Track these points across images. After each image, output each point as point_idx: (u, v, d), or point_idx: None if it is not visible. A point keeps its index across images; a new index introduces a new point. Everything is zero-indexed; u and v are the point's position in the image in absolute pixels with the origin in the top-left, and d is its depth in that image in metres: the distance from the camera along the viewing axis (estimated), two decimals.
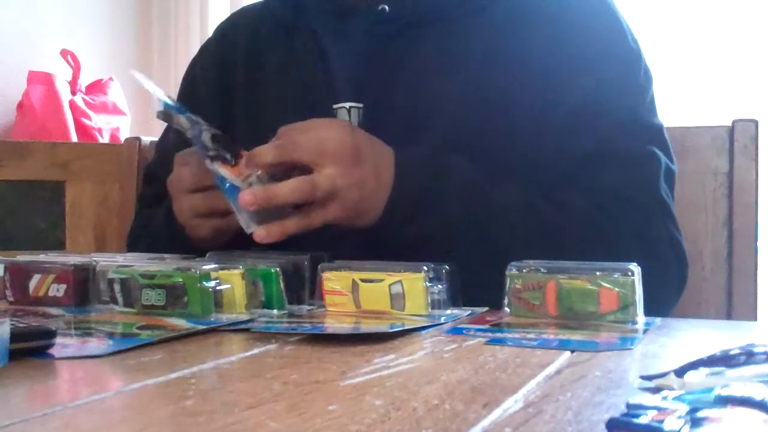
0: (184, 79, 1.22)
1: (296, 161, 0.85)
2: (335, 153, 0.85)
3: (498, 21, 1.00)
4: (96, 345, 0.64)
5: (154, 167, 1.22)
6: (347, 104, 1.01)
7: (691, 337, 0.74)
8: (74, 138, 2.43)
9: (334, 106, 1.02)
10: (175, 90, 1.26)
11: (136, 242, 1.13)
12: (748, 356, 0.48)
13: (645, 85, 1.00)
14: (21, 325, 0.62)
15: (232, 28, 1.19)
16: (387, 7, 1.01)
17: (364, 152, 0.87)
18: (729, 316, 1.14)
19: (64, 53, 2.55)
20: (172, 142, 1.18)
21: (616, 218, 0.92)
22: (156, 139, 1.51)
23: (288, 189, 0.83)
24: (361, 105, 1.01)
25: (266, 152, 0.85)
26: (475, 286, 0.78)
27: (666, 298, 0.95)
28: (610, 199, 0.93)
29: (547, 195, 0.93)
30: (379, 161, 0.88)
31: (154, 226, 1.07)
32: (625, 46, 1.01)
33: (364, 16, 1.02)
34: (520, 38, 0.99)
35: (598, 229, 0.91)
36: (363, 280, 0.77)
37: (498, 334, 0.68)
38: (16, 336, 0.57)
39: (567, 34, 0.98)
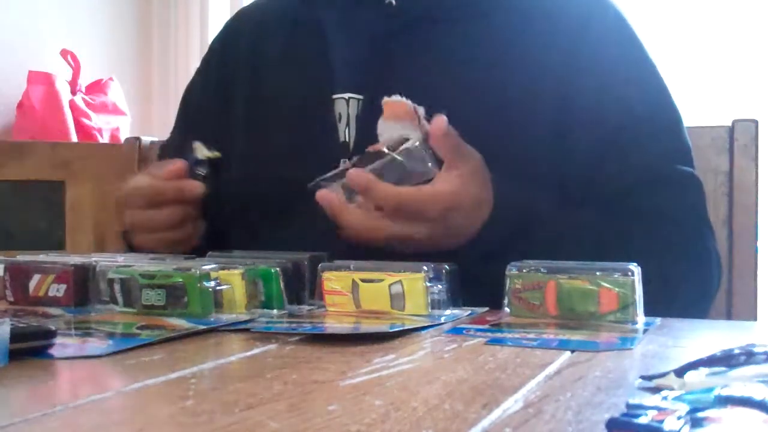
0: (186, 91, 1.22)
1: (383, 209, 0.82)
2: (435, 202, 0.82)
3: (503, 27, 1.00)
4: (96, 345, 0.64)
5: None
6: (347, 95, 1.01)
7: (691, 337, 0.74)
8: (74, 138, 2.43)
9: (334, 97, 1.02)
10: (174, 89, 1.26)
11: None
12: (748, 356, 0.48)
13: (675, 102, 1.02)
14: (21, 325, 0.62)
15: (237, 21, 1.20)
16: (394, 1, 1.01)
17: (455, 212, 0.84)
18: (729, 316, 1.14)
19: (64, 53, 2.55)
20: (174, 151, 1.19)
21: (671, 242, 0.94)
22: (156, 139, 1.51)
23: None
24: (360, 96, 1.01)
25: (357, 180, 0.82)
26: None
27: (708, 306, 1.00)
28: (665, 224, 0.95)
29: (611, 222, 0.93)
30: (476, 202, 0.86)
31: None
32: (650, 65, 1.02)
33: (370, 9, 1.02)
34: (527, 47, 0.98)
35: (657, 254, 0.92)
36: (363, 280, 0.77)
37: (498, 334, 0.68)
38: (16, 336, 0.57)
39: (585, 54, 0.98)
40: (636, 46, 1.03)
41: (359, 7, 1.04)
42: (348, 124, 1.01)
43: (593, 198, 0.96)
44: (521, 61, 0.98)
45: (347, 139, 1.01)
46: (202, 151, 0.97)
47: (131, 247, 1.01)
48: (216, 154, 0.98)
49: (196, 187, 0.93)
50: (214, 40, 1.22)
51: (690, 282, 0.95)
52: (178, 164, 0.95)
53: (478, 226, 0.86)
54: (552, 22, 1.00)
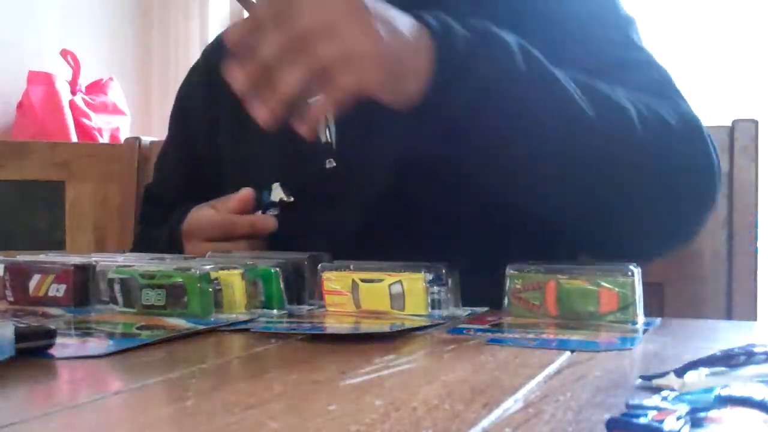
0: (176, 99, 1.23)
1: (302, 32, 0.70)
2: (337, 8, 0.70)
3: (502, 18, 0.99)
4: (96, 345, 0.64)
5: (155, 187, 1.23)
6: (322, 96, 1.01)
7: (691, 337, 0.74)
8: (74, 138, 2.43)
9: (309, 100, 1.01)
10: (174, 89, 1.27)
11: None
12: (748, 356, 0.48)
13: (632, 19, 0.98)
14: (21, 325, 0.62)
15: (216, 45, 1.20)
16: None
17: (376, 10, 0.72)
18: (729, 316, 1.14)
19: (64, 53, 2.55)
20: (171, 162, 1.19)
21: (670, 109, 0.88)
22: (155, 139, 1.51)
23: (291, 76, 0.70)
24: None
25: (272, 43, 0.71)
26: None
27: (703, 209, 0.92)
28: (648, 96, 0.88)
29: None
30: (400, 21, 0.74)
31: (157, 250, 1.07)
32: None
33: None
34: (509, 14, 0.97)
35: (647, 114, 0.85)
36: (363, 280, 0.77)
37: (498, 334, 0.68)
38: (16, 336, 0.57)
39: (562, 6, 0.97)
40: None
41: None
42: (327, 125, 1.00)
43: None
44: (511, 23, 0.97)
45: (329, 139, 1.00)
46: (278, 194, 0.97)
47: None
48: (291, 199, 0.99)
49: (269, 223, 0.93)
50: (197, 61, 1.23)
51: (684, 161, 0.86)
52: (246, 196, 0.95)
53: (424, 44, 0.74)
54: (542, 8, 0.99)
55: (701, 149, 0.90)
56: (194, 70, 1.21)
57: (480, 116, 0.76)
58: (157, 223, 1.16)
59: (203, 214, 1.00)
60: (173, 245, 1.01)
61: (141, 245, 1.17)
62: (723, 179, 1.17)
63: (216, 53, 1.17)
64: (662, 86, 0.93)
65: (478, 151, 0.80)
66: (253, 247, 0.96)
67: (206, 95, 1.14)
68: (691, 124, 0.90)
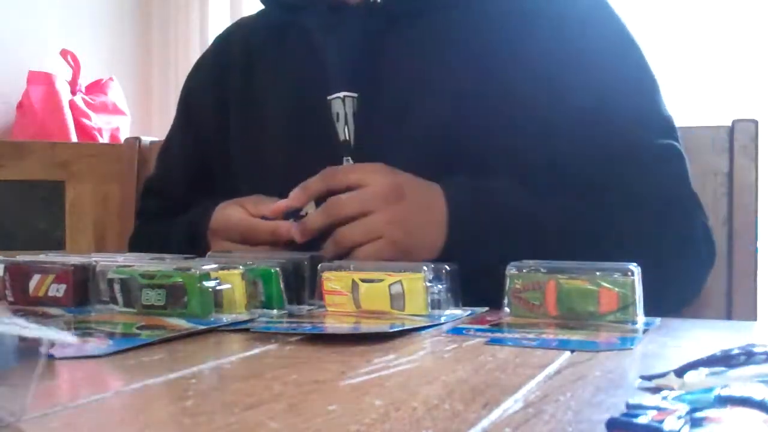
0: (182, 91, 1.22)
1: (343, 217, 0.87)
2: (375, 195, 0.87)
3: (493, 14, 1.00)
4: (96, 345, 0.64)
5: (157, 181, 1.22)
6: (341, 94, 1.02)
7: (691, 337, 0.74)
8: (74, 138, 2.43)
9: (329, 97, 1.02)
10: (174, 89, 1.27)
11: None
12: (748, 356, 0.48)
13: (654, 76, 1.02)
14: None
15: (227, 36, 1.21)
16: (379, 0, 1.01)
17: (405, 189, 0.88)
18: (729, 316, 1.14)
19: (64, 53, 2.55)
20: (176, 156, 1.19)
21: (658, 219, 0.94)
22: (156, 139, 1.51)
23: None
24: (355, 94, 1.01)
25: (314, 220, 0.88)
26: None
27: (699, 288, 1.01)
28: (648, 200, 0.95)
29: (590, 202, 0.94)
30: (424, 197, 0.90)
31: (170, 245, 1.05)
32: (628, 41, 1.02)
33: (356, 9, 1.03)
34: (517, 33, 0.99)
35: (641, 231, 0.93)
36: (363, 280, 0.77)
37: (498, 334, 0.68)
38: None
39: (567, 33, 0.99)
40: (616, 24, 1.03)
41: (345, 9, 1.04)
42: (346, 122, 1.02)
43: (574, 182, 0.95)
44: (513, 49, 0.98)
45: (347, 137, 1.01)
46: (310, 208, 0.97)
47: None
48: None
49: (291, 232, 0.92)
50: (205, 53, 1.23)
51: (674, 268, 0.94)
52: (280, 206, 0.95)
53: (441, 223, 0.88)
54: (533, 4, 1.01)
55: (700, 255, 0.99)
56: (202, 64, 1.21)
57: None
58: (158, 216, 1.16)
59: (231, 213, 0.99)
60: (195, 243, 1.00)
61: (141, 239, 1.17)
62: (723, 179, 1.17)
63: (226, 47, 1.17)
64: (673, 187, 0.98)
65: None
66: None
67: (215, 89, 1.14)
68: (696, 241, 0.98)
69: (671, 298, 0.93)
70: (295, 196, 0.90)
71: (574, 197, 0.94)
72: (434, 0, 1.01)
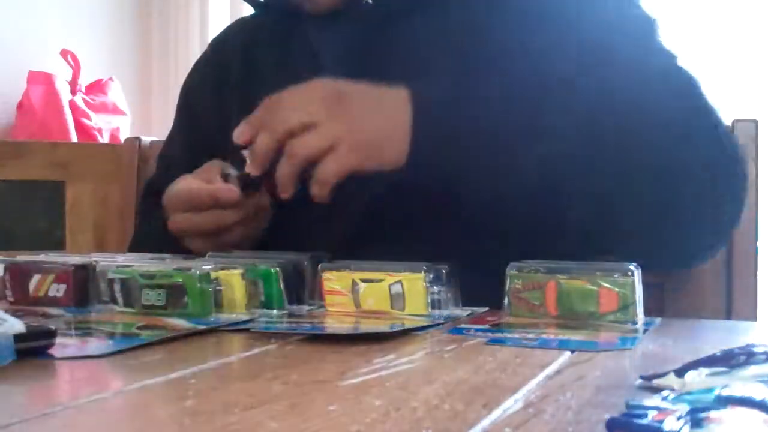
0: (181, 91, 1.22)
1: (289, 130, 0.83)
2: (312, 100, 0.83)
3: (479, 7, 0.99)
4: (96, 345, 0.64)
5: (157, 181, 1.22)
6: None
7: (691, 337, 0.74)
8: (74, 138, 2.43)
9: None
10: (174, 89, 1.26)
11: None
12: (748, 356, 0.48)
13: (653, 18, 0.97)
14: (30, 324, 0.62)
15: (225, 37, 1.20)
16: (371, 0, 1.01)
17: (344, 90, 0.84)
18: (729, 316, 1.14)
19: (64, 53, 2.55)
20: (176, 156, 1.19)
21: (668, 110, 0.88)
22: (156, 139, 1.51)
23: (283, 170, 0.83)
24: None
25: (261, 143, 0.84)
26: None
27: (735, 214, 0.94)
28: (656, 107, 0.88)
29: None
30: (369, 95, 0.86)
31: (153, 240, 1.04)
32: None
33: (350, 13, 1.03)
34: (502, 25, 0.97)
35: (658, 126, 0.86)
36: (363, 280, 0.77)
37: (498, 334, 0.68)
38: (16, 336, 0.57)
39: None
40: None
41: (339, 12, 1.04)
42: None
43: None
44: (504, 24, 0.97)
45: None
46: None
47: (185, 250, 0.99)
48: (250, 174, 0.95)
49: (230, 192, 0.90)
50: (202, 55, 1.23)
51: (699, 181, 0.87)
52: (209, 169, 0.93)
53: (401, 122, 0.83)
54: None
55: (715, 142, 0.90)
56: (201, 64, 1.21)
57: (465, 176, 0.86)
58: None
59: (177, 184, 0.96)
60: (165, 225, 0.98)
61: (139, 238, 1.16)
62: None
63: (224, 47, 1.17)
64: (683, 94, 0.92)
65: (471, 192, 0.88)
66: (219, 220, 0.91)
67: (214, 88, 1.14)
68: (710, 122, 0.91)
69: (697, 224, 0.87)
70: (240, 133, 0.86)
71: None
72: None
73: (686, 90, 0.93)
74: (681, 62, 0.96)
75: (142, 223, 1.21)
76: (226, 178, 0.90)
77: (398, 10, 1.01)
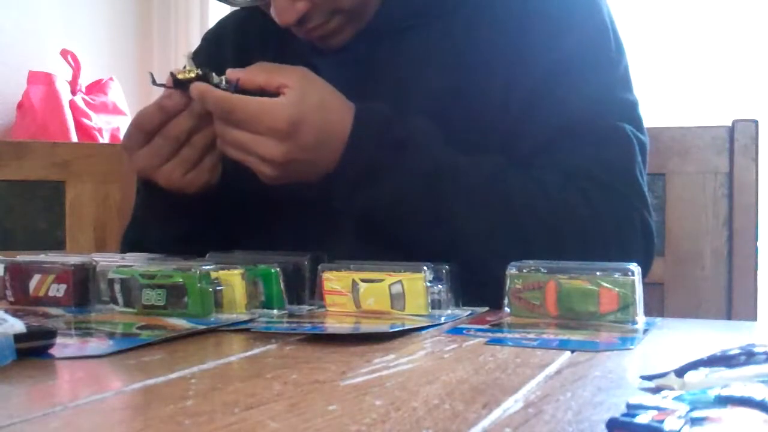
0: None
1: (234, 121, 0.87)
2: (269, 129, 0.85)
3: (470, 19, 0.99)
4: (96, 345, 0.64)
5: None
6: None
7: (691, 337, 0.74)
8: (74, 138, 2.43)
9: None
10: None
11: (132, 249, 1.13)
12: (748, 356, 0.48)
13: (617, 58, 0.98)
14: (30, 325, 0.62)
15: (218, 30, 1.20)
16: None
17: (304, 126, 0.86)
18: (729, 316, 1.14)
19: (64, 53, 2.55)
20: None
21: (590, 199, 0.90)
22: None
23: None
24: None
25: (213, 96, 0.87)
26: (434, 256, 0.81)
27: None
28: (583, 180, 0.90)
29: (520, 171, 0.91)
30: (325, 133, 0.88)
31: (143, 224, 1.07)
32: (592, 20, 0.98)
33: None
34: (488, 30, 0.97)
35: (572, 209, 0.89)
36: (363, 280, 0.77)
37: (498, 334, 0.68)
38: (16, 336, 0.57)
39: (531, 13, 0.97)
40: (587, 5, 0.99)
41: None
42: None
43: (511, 157, 0.92)
44: (485, 45, 0.96)
45: None
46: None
47: (154, 196, 0.99)
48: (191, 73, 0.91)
49: (169, 94, 0.89)
50: (196, 49, 1.22)
51: (598, 252, 0.86)
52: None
53: (338, 151, 0.88)
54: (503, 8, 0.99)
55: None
56: (195, 54, 1.20)
57: (388, 215, 0.90)
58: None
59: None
60: (143, 188, 1.00)
61: (130, 227, 1.16)
62: (723, 179, 1.17)
63: (217, 39, 1.17)
64: (611, 170, 0.93)
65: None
66: (176, 133, 0.91)
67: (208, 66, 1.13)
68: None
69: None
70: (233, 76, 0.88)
71: (507, 167, 0.91)
72: (416, 15, 1.01)
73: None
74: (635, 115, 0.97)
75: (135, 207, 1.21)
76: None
77: (392, 29, 1.01)
